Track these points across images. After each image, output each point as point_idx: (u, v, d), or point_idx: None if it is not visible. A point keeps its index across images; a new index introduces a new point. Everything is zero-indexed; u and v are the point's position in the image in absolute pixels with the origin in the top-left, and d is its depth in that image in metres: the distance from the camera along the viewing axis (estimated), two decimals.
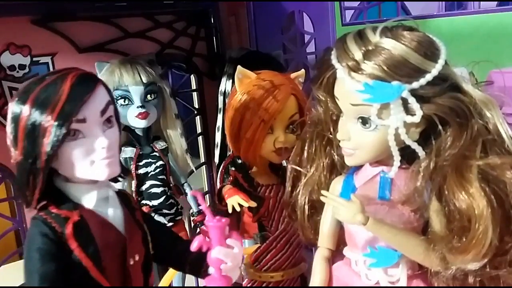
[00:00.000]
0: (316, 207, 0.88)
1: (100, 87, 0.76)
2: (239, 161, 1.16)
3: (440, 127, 0.70)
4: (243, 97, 1.06)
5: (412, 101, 0.68)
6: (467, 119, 0.70)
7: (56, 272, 0.73)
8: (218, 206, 1.14)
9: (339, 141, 0.80)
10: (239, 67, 1.09)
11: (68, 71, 0.75)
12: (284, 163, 1.09)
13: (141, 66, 1.26)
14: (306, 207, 0.88)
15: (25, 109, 0.72)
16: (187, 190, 1.38)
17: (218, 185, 1.18)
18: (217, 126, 1.35)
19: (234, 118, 1.08)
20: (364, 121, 0.72)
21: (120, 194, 0.85)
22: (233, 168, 1.16)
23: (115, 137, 0.78)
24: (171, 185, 1.37)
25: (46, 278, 0.72)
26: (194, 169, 1.42)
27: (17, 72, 1.20)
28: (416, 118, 0.69)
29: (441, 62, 0.69)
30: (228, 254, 0.82)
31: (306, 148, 0.88)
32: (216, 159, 1.35)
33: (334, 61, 0.73)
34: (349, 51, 0.71)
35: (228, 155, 1.26)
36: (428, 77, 0.68)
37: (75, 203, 0.78)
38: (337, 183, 0.85)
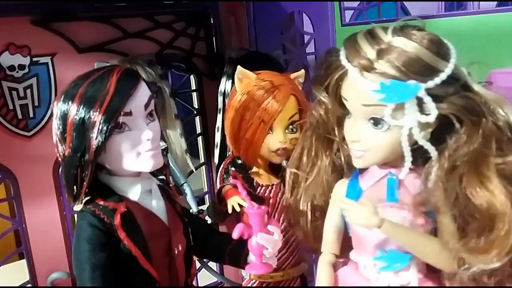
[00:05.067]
0: (319, 212, 0.86)
1: (142, 82, 0.79)
2: (239, 161, 1.16)
3: (457, 125, 0.69)
4: (243, 98, 1.06)
5: (428, 100, 0.67)
6: (480, 117, 0.69)
7: (106, 261, 0.76)
8: (218, 206, 1.14)
9: (343, 143, 0.79)
10: (239, 67, 1.09)
11: (112, 68, 0.78)
12: (284, 163, 1.09)
13: (140, 66, 1.25)
14: (309, 213, 0.86)
15: (73, 105, 0.74)
16: (187, 190, 1.38)
17: (218, 185, 1.18)
18: (216, 126, 1.34)
19: (234, 118, 1.08)
20: (376, 122, 0.71)
21: (161, 187, 0.87)
22: (233, 168, 1.16)
23: (157, 130, 0.81)
24: (171, 185, 1.37)
25: (97, 267, 0.75)
26: (193, 169, 1.42)
27: (17, 72, 1.19)
28: (431, 118, 0.67)
29: (453, 61, 0.69)
30: (269, 240, 0.86)
31: (305, 152, 0.86)
32: (216, 160, 1.35)
33: (344, 61, 0.71)
34: (361, 50, 0.69)
35: (228, 155, 1.26)
36: (443, 76, 0.67)
37: (120, 195, 0.80)
38: (341, 186, 0.83)
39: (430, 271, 0.79)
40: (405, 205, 0.75)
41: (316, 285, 0.84)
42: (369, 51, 0.69)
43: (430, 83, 0.67)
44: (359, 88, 0.70)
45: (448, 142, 0.71)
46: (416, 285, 0.76)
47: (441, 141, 0.71)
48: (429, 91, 0.67)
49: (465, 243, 0.70)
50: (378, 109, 0.69)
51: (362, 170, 0.80)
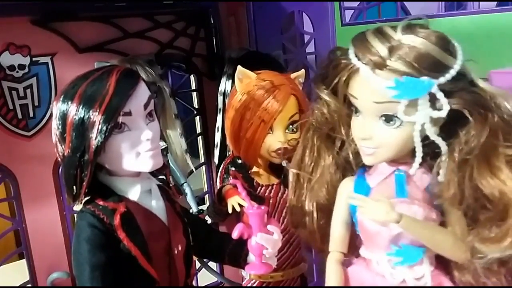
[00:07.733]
0: (325, 211, 0.85)
1: (142, 82, 0.79)
2: (239, 161, 1.16)
3: (470, 119, 0.70)
4: (243, 97, 1.06)
5: (440, 96, 0.68)
6: (487, 111, 0.70)
7: (106, 262, 0.75)
8: (218, 206, 1.14)
9: (350, 141, 0.79)
10: (239, 67, 1.09)
11: (111, 68, 0.78)
12: (284, 163, 1.09)
13: (140, 66, 1.25)
14: (315, 213, 0.85)
15: (73, 105, 0.74)
16: (187, 190, 1.37)
17: (218, 185, 1.18)
18: (216, 126, 1.35)
19: (234, 118, 1.08)
20: (388, 118, 0.72)
21: (160, 187, 0.87)
22: (233, 168, 1.16)
23: (156, 130, 0.81)
24: (171, 185, 1.37)
25: (96, 268, 0.75)
26: (193, 169, 1.42)
27: (17, 72, 1.19)
28: (443, 113, 0.68)
29: (460, 57, 0.70)
30: (269, 240, 0.87)
31: (307, 152, 0.86)
32: (216, 159, 1.35)
33: (354, 60, 0.72)
34: (372, 48, 0.70)
35: (228, 155, 1.26)
36: (453, 72, 0.68)
37: (119, 195, 0.80)
38: (347, 184, 0.83)
39: (438, 262, 0.79)
40: (415, 200, 0.76)
41: (326, 283, 0.82)
42: (381, 49, 0.69)
43: (442, 79, 0.68)
44: (371, 86, 0.70)
45: (457, 135, 0.72)
46: (429, 277, 0.77)
47: (449, 135, 0.72)
48: (440, 87, 0.68)
49: (478, 233, 0.72)
50: (390, 106, 0.70)
51: (369, 168, 0.81)
